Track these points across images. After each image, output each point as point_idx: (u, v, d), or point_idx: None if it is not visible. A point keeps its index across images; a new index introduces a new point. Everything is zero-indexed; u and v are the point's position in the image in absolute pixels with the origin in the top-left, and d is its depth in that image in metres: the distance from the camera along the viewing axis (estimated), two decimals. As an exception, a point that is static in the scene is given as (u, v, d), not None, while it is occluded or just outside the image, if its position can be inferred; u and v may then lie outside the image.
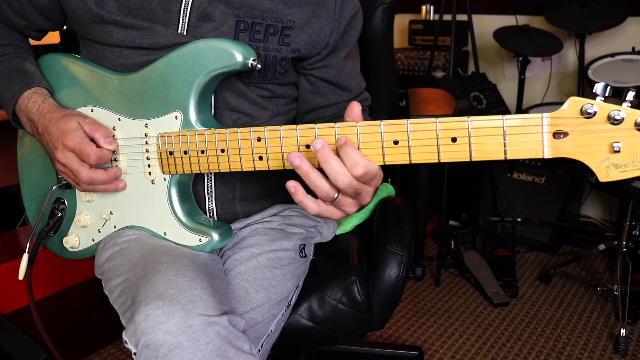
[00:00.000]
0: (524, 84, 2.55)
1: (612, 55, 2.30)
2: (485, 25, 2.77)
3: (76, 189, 1.04)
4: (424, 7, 2.93)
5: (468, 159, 0.72)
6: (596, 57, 2.33)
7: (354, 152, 0.73)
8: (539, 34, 2.45)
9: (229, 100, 0.99)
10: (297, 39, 0.97)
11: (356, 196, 0.76)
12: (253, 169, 0.85)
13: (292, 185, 0.75)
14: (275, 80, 1.00)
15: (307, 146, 0.80)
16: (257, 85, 1.00)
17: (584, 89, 2.52)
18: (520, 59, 2.48)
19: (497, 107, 2.50)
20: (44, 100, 0.98)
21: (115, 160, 0.98)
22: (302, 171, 0.74)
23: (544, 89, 2.75)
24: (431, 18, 2.92)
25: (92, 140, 0.93)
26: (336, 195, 0.75)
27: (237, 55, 0.88)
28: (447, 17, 2.54)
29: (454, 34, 2.45)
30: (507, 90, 2.79)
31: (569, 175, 2.55)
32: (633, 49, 2.35)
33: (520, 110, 2.60)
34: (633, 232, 2.07)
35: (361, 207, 0.80)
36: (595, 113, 0.65)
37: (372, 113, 1.17)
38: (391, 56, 1.33)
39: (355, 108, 0.76)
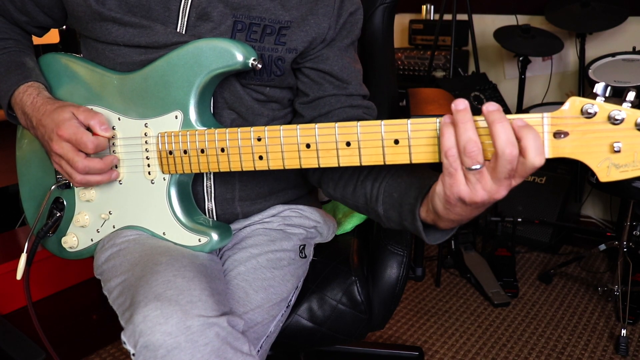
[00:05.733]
0: (525, 84, 2.55)
1: (613, 55, 2.29)
2: (486, 25, 2.77)
3: (75, 188, 1.03)
4: (424, 7, 2.93)
5: None
6: (597, 57, 2.32)
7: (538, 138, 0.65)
8: (539, 34, 2.44)
9: (227, 100, 0.99)
10: (293, 38, 0.96)
11: (506, 179, 0.67)
12: (253, 169, 0.85)
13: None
14: (272, 82, 0.99)
15: (308, 145, 0.79)
16: (254, 87, 0.99)
17: (585, 88, 2.52)
18: (520, 58, 2.48)
19: (497, 107, 2.49)
20: (38, 93, 0.97)
21: (114, 152, 0.97)
22: (464, 117, 0.67)
23: (545, 88, 2.74)
24: (431, 18, 2.92)
25: (88, 129, 0.93)
26: (480, 165, 0.67)
27: (238, 54, 0.88)
28: (448, 16, 2.53)
29: (454, 34, 2.45)
30: (508, 90, 2.79)
31: (569, 175, 2.54)
32: (634, 48, 2.34)
33: (520, 110, 2.59)
34: (634, 232, 2.06)
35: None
36: (595, 113, 0.65)
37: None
38: (391, 56, 1.32)
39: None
